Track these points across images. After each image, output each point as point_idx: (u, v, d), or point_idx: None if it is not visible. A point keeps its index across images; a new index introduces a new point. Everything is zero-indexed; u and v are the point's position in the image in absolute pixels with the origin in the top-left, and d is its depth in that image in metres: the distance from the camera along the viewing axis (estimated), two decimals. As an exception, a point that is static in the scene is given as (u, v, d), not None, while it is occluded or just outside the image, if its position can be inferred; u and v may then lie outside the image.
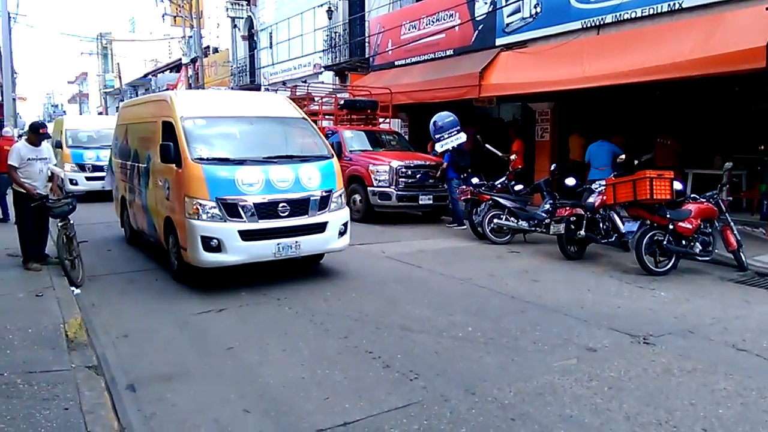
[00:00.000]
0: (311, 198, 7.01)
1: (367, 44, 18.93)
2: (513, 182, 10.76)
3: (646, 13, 10.33)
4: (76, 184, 15.52)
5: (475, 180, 10.95)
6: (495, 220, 9.85)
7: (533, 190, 10.70)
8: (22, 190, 7.47)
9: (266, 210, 6.72)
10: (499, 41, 13.23)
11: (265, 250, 6.72)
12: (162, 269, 7.97)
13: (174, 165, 6.90)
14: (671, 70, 9.23)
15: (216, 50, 34.41)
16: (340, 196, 7.44)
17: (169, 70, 39.70)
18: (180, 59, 35.26)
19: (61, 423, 3.63)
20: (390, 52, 16.87)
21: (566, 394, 4.23)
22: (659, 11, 10.11)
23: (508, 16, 12.95)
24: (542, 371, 4.62)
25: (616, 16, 10.75)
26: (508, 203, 9.91)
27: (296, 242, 6.86)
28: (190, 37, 30.81)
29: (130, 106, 10.39)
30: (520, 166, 11.89)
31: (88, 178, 15.90)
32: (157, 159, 7.41)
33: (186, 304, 6.49)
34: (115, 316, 6.09)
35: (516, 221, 9.76)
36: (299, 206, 6.92)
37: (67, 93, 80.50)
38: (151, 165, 7.95)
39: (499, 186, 10.65)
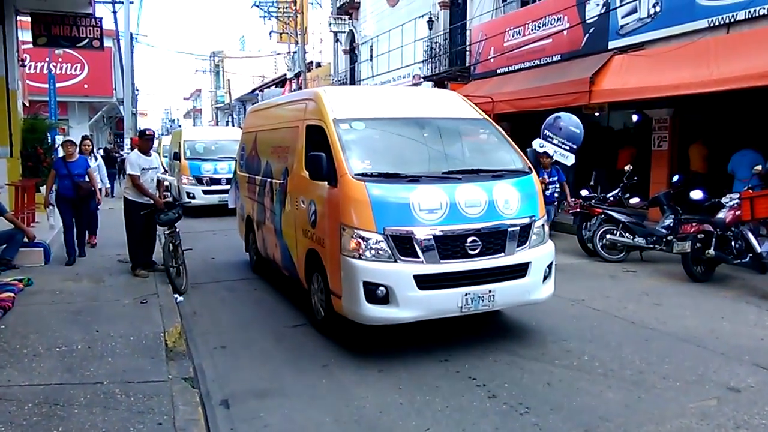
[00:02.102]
0: (509, 229, 5.14)
1: (468, 53, 18.49)
2: (628, 195, 9.92)
3: (787, 8, 9.20)
4: (194, 197, 14.79)
5: (584, 192, 10.21)
6: (608, 236, 9.08)
7: (651, 204, 9.80)
8: (133, 199, 7.71)
9: (451, 246, 4.93)
10: (612, 44, 12.37)
11: (449, 302, 4.92)
12: (260, 279, 7.96)
13: (325, 182, 5.31)
14: (819, 70, 8.11)
15: (318, 65, 35.30)
16: (543, 225, 5.53)
17: (274, 86, 41.24)
18: (285, 74, 36.54)
19: (154, 439, 3.51)
20: (492, 59, 16.34)
21: (708, 443, 3.60)
22: (803, 4, 8.97)
23: (622, 18, 12.08)
24: (676, 413, 4.00)
25: (749, 12, 9.65)
26: (622, 217, 9.12)
27: (489, 292, 5.00)
28: (295, 52, 31.79)
29: (261, 110, 8.75)
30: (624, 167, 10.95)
31: (205, 192, 14.97)
32: (297, 173, 6.13)
33: (282, 315, 6.39)
34: (214, 325, 6.07)
35: (632, 237, 8.95)
36: (494, 241, 5.08)
37: (182, 108, 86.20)
38: (288, 181, 6.44)
39: (611, 199, 9.86)
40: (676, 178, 9.91)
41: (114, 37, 21.15)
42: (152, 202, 7.75)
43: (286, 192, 6.49)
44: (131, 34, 21.37)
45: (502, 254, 5.10)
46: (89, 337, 5.21)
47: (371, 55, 25.60)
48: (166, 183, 8.84)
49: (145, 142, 7.90)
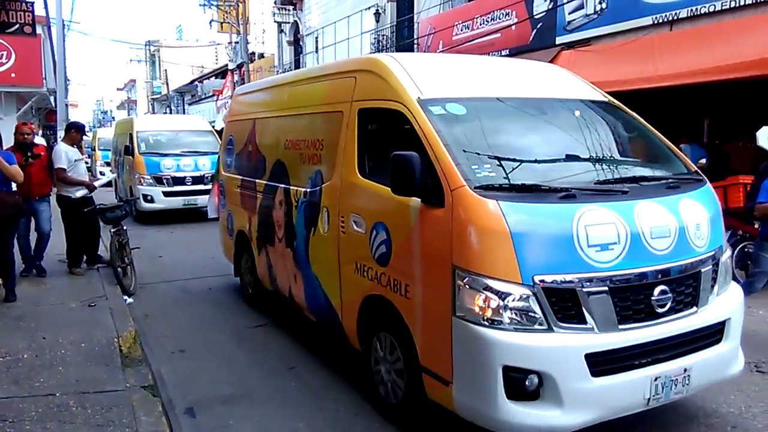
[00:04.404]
0: (702, 270, 3.45)
1: (416, 46, 18.49)
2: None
3: (726, 6, 9.57)
4: (152, 201, 12.41)
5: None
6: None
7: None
8: (69, 194, 7.30)
9: (632, 302, 3.19)
10: (559, 39, 12.59)
11: (633, 394, 3.18)
12: (215, 278, 7.66)
13: (416, 199, 3.43)
14: (757, 67, 8.47)
15: (262, 56, 34.58)
16: (728, 259, 3.81)
17: (215, 77, 40.13)
18: (226, 65, 35.58)
19: (118, 455, 3.28)
20: (440, 53, 16.40)
21: (683, 433, 3.66)
22: (741, 4, 9.32)
23: (569, 13, 12.30)
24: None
25: (691, 10, 10.00)
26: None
27: (684, 371, 3.29)
28: (237, 42, 30.97)
29: (263, 89, 6.57)
30: None
31: (166, 194, 12.47)
32: (346, 180, 4.22)
33: (241, 315, 6.17)
34: (170, 328, 5.79)
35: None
36: (685, 290, 3.39)
37: (116, 99, 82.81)
38: (325, 190, 4.51)
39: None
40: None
41: (44, 23, 19.98)
42: (89, 195, 7.47)
43: (318, 206, 4.58)
44: (63, 21, 20.25)
45: (694, 308, 3.39)
46: (35, 344, 4.86)
47: (317, 47, 25.25)
48: (110, 178, 8.40)
49: (77, 134, 7.67)
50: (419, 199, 3.41)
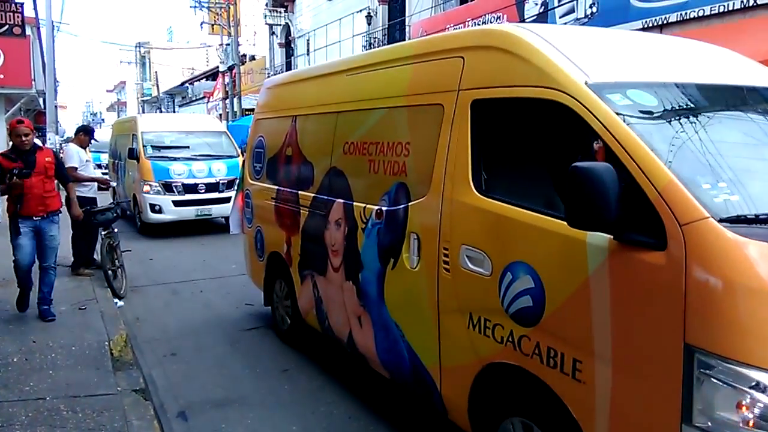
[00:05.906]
0: None
1: (407, 49, 18.56)
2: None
3: (715, 11, 9.67)
4: (161, 211, 10.92)
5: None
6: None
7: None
8: (82, 194, 7.36)
9: None
10: (550, 43, 12.71)
11: None
12: (206, 280, 7.63)
13: (601, 234, 2.26)
14: (746, 71, 8.58)
15: (253, 58, 34.55)
16: None
17: (205, 78, 40.06)
18: (217, 67, 35.51)
19: (110, 459, 3.26)
20: (432, 56, 16.46)
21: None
22: (730, 8, 9.43)
23: (560, 17, 12.39)
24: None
25: (681, 14, 10.11)
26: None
27: None
28: (228, 44, 30.91)
29: (306, 79, 5.16)
30: None
31: (176, 203, 10.98)
32: (451, 196, 3.06)
33: (234, 318, 6.15)
34: (161, 331, 5.75)
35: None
36: None
37: (106, 101, 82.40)
38: (411, 211, 3.38)
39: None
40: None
41: (34, 24, 19.85)
42: (94, 196, 7.75)
43: (403, 231, 3.43)
44: (53, 22, 20.12)
45: None
46: (25, 348, 4.82)
47: (308, 50, 25.26)
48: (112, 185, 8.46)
49: (86, 137, 7.97)
50: (607, 236, 2.25)
